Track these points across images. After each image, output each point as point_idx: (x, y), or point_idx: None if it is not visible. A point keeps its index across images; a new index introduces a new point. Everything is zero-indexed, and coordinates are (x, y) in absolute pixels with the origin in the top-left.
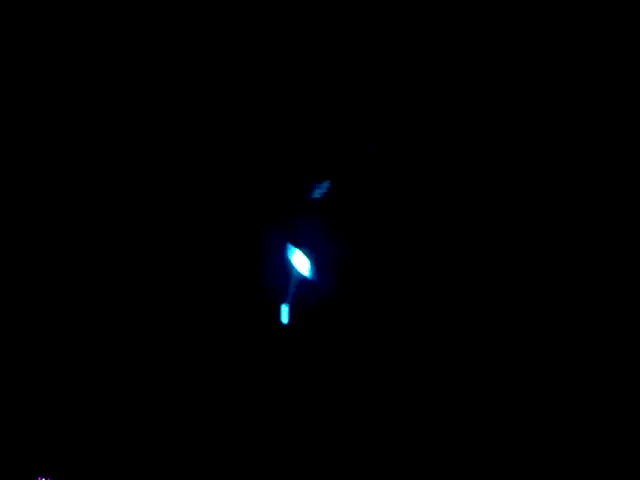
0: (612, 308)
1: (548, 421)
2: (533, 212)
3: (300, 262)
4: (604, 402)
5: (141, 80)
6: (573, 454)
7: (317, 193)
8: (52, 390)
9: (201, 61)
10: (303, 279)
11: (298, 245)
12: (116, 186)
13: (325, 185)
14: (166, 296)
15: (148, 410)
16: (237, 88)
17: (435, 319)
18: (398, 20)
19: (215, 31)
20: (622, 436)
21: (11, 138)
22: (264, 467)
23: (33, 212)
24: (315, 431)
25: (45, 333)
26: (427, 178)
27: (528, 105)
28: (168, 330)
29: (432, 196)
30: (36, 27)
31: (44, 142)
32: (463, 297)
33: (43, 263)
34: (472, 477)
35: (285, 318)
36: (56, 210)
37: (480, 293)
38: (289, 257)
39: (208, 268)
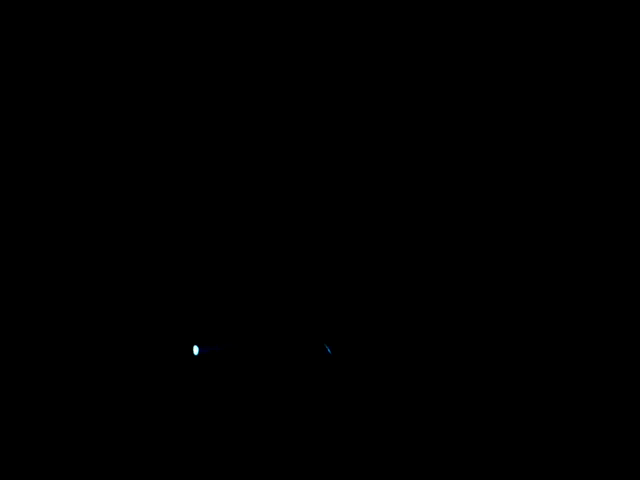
0: (612, 308)
1: (548, 421)
2: (533, 212)
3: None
4: (604, 402)
5: (141, 80)
6: (573, 454)
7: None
8: (52, 390)
9: (201, 61)
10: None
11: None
12: (116, 186)
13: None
14: (165, 297)
15: (148, 410)
16: (237, 88)
17: (435, 321)
18: (398, 20)
19: (215, 31)
20: (622, 436)
21: (11, 138)
22: (264, 467)
23: (33, 212)
24: (315, 432)
25: (45, 333)
26: (427, 179)
27: (528, 105)
28: (167, 331)
29: (432, 198)
30: (36, 27)
31: (44, 142)
32: (463, 299)
33: (43, 263)
34: (472, 477)
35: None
36: (56, 210)
37: (480, 295)
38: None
39: (208, 270)
